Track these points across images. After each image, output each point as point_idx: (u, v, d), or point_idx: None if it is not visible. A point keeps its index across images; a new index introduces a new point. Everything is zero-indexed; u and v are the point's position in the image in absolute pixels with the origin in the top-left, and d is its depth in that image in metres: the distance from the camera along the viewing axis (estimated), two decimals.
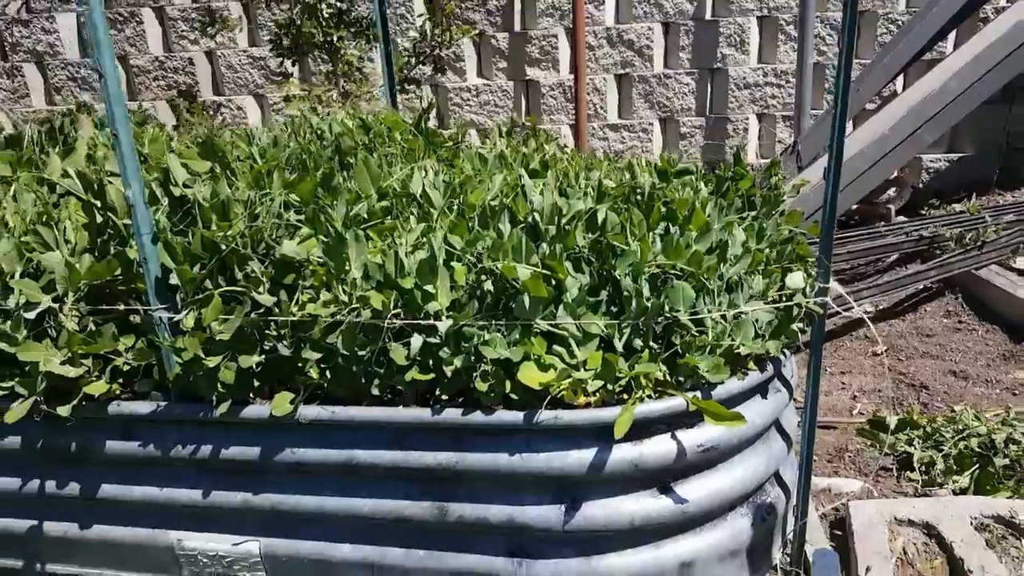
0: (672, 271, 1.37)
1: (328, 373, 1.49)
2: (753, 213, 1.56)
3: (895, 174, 4.36)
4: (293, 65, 3.19)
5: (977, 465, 2.00)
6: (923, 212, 4.40)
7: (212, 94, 5.48)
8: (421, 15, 3.50)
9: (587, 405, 1.38)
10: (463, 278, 1.41)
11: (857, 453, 2.26)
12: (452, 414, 1.41)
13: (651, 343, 1.39)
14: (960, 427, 2.11)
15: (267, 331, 1.48)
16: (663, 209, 1.42)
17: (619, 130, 5.13)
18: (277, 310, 1.44)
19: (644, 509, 1.40)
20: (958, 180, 4.79)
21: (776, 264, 1.47)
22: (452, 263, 1.42)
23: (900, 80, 4.62)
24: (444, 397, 1.45)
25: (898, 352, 2.99)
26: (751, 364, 1.45)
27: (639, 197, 1.42)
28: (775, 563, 1.61)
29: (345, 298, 1.41)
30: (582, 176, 1.60)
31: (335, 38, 3.20)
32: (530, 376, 1.34)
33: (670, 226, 1.49)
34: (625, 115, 5.12)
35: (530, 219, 1.42)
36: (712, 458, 1.43)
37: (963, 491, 1.97)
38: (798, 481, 1.61)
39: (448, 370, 1.39)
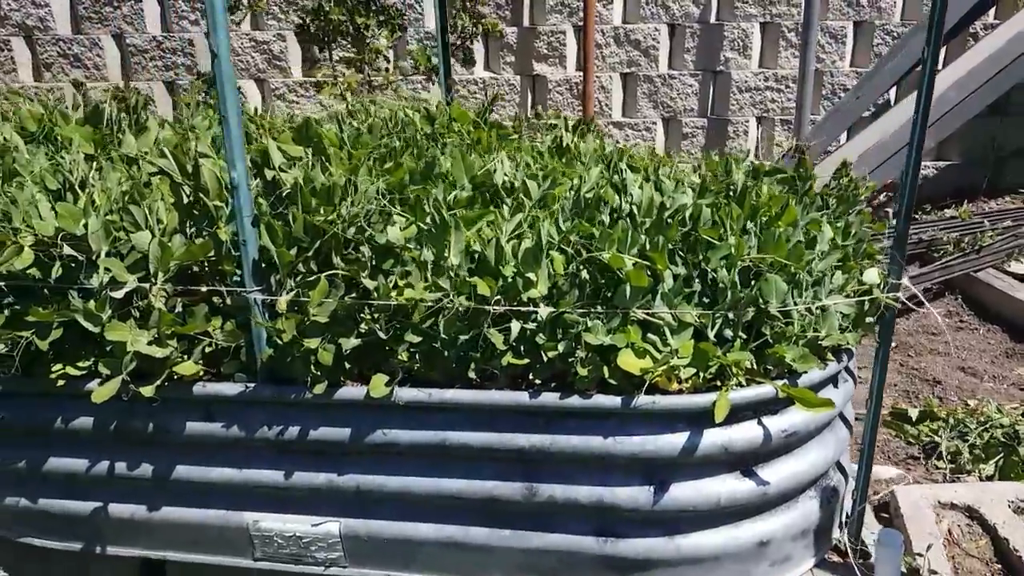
0: (762, 264, 1.44)
1: (419, 356, 1.52)
2: (828, 211, 1.65)
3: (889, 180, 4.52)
4: (320, 52, 3.18)
5: (1001, 454, 2.12)
6: (915, 217, 4.57)
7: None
8: (456, 10, 3.52)
9: (679, 391, 1.44)
10: (561, 267, 1.45)
11: (884, 442, 2.37)
12: (550, 398, 1.45)
13: (740, 333, 1.46)
14: (983, 419, 2.23)
15: (361, 315, 1.51)
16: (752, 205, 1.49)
17: (623, 128, 5.21)
18: (376, 294, 1.47)
19: (730, 490, 1.47)
20: (946, 187, 4.98)
21: (852, 260, 1.56)
22: (551, 252, 1.46)
23: (892, 91, 4.80)
24: (537, 381, 1.50)
25: (908, 349, 3.13)
26: (829, 355, 1.53)
27: (732, 194, 1.49)
28: (834, 543, 1.69)
29: (447, 284, 1.44)
30: (661, 171, 1.66)
31: (362, 26, 3.21)
32: (630, 362, 1.39)
33: (748, 222, 1.56)
34: (629, 113, 5.20)
35: (627, 211, 1.47)
36: (792, 443, 1.51)
37: (989, 478, 2.09)
38: (859, 466, 1.70)
39: (547, 355, 1.44)
